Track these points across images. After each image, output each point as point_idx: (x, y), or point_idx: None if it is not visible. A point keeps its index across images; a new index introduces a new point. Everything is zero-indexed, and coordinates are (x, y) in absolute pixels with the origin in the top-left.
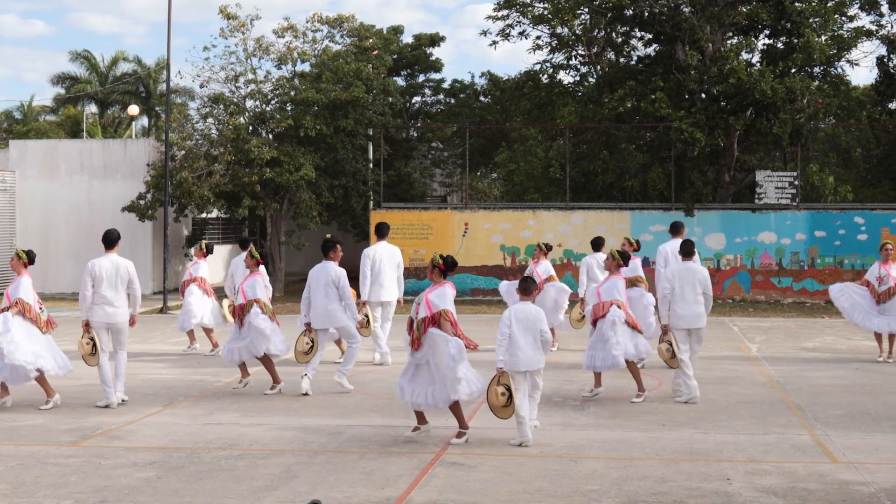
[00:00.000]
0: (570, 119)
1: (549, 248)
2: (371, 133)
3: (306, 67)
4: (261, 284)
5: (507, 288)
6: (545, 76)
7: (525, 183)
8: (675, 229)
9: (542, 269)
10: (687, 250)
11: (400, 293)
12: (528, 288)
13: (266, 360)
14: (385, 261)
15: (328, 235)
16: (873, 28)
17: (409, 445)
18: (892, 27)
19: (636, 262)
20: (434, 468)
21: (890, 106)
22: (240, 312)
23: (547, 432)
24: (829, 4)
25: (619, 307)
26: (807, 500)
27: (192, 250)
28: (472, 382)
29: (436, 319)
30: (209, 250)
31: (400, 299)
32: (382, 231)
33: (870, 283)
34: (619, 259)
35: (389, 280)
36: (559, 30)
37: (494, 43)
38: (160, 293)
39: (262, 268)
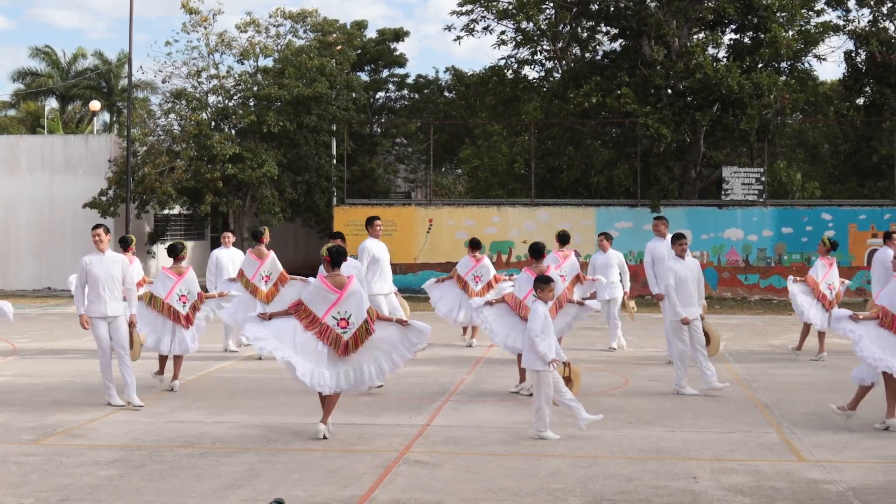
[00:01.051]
0: (535, 115)
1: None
2: (334, 129)
3: (269, 63)
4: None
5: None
6: (510, 71)
7: (489, 179)
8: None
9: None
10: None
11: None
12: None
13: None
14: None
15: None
16: (841, 23)
17: (372, 443)
18: (859, 22)
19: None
20: (398, 466)
21: (857, 101)
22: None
23: (512, 430)
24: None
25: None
26: (774, 498)
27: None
28: None
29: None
30: (126, 245)
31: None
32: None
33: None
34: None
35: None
36: (524, 25)
37: (459, 38)
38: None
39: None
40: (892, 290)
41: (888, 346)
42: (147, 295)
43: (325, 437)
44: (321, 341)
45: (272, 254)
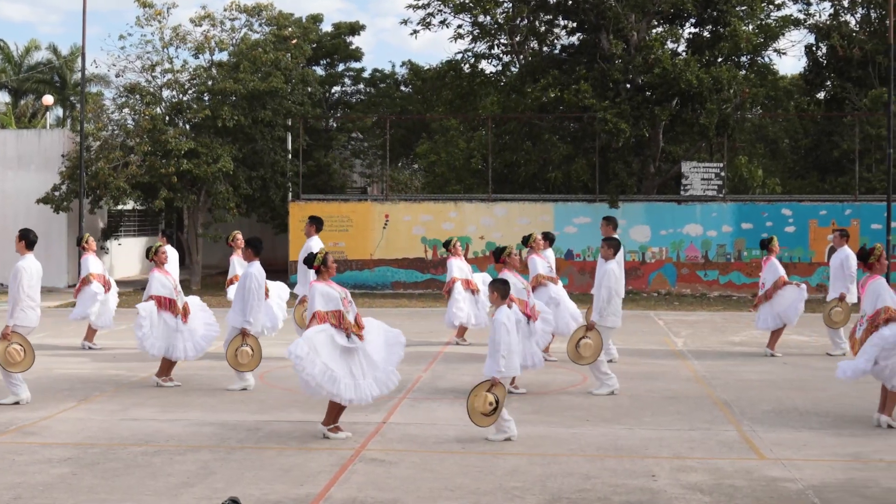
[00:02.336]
0: (493, 109)
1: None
2: (290, 123)
3: (224, 57)
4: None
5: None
6: (467, 66)
7: (446, 174)
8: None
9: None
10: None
11: None
12: (507, 291)
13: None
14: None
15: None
16: (801, 17)
17: (328, 441)
18: (820, 15)
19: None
20: (354, 464)
21: (818, 96)
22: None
23: (469, 428)
24: None
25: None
26: (733, 497)
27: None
28: None
29: None
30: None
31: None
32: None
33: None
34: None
35: None
36: (481, 18)
37: (415, 32)
38: (75, 286)
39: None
40: (886, 288)
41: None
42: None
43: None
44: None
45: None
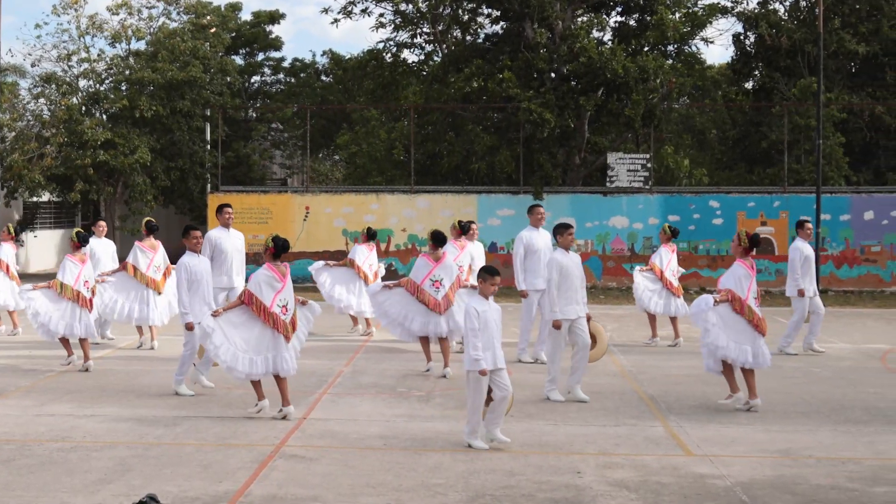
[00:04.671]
0: (415, 99)
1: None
2: (208, 114)
3: (142, 46)
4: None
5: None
6: (389, 55)
7: (368, 165)
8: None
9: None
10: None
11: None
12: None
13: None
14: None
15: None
16: (729, 4)
17: (247, 437)
18: (748, 4)
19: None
20: (274, 461)
21: (746, 85)
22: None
23: (391, 424)
24: None
25: None
26: (660, 494)
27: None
28: None
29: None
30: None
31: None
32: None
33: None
34: None
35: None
36: (403, 7)
37: (336, 21)
38: None
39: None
40: (736, 273)
41: (739, 332)
42: (57, 283)
43: (285, 418)
44: (273, 329)
45: (161, 245)
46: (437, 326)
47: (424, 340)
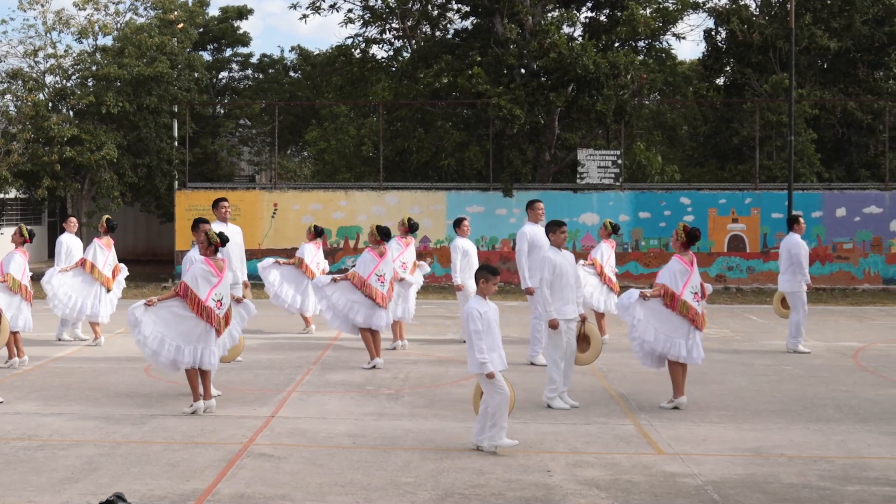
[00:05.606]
0: (384, 95)
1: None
2: (176, 110)
3: (108, 41)
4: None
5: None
6: (357, 51)
7: (337, 162)
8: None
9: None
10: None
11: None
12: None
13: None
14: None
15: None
16: (700, 0)
17: (215, 436)
18: None
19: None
20: (241, 460)
21: (717, 81)
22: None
23: (359, 422)
24: None
25: None
26: (631, 492)
27: None
28: None
29: None
30: None
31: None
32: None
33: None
34: None
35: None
36: (372, 2)
37: (305, 16)
38: None
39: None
40: (672, 268)
41: (672, 327)
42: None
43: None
44: (206, 323)
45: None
46: (379, 319)
47: (367, 334)
